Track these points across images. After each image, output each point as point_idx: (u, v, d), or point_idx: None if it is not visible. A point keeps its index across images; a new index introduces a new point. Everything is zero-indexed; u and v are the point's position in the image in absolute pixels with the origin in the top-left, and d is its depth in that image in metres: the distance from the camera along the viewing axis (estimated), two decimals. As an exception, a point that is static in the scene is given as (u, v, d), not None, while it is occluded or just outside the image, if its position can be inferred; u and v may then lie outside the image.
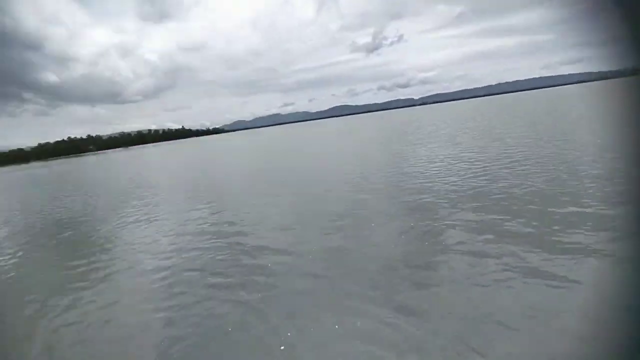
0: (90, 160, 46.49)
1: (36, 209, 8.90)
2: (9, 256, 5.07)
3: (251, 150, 23.25)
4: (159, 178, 13.22)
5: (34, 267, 4.57)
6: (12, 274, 4.33)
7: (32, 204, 10.15)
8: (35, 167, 40.72)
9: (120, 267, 4.03)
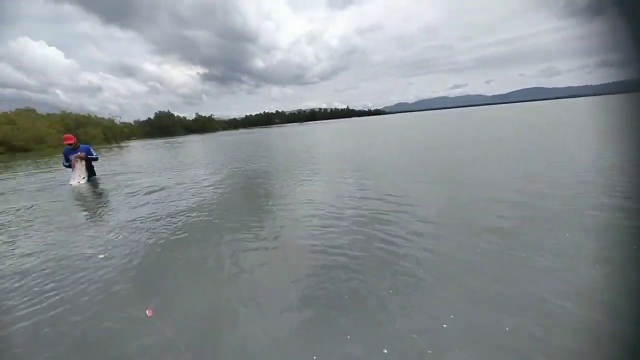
0: (276, 130, 56.74)
1: (239, 161, 11.19)
2: (221, 188, 6.39)
3: (415, 132, 20.68)
4: (326, 150, 13.65)
5: (231, 198, 5.58)
6: (224, 199, 5.49)
7: (239, 158, 12.28)
8: (242, 133, 52.79)
9: (290, 211, 4.43)
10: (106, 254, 3.10)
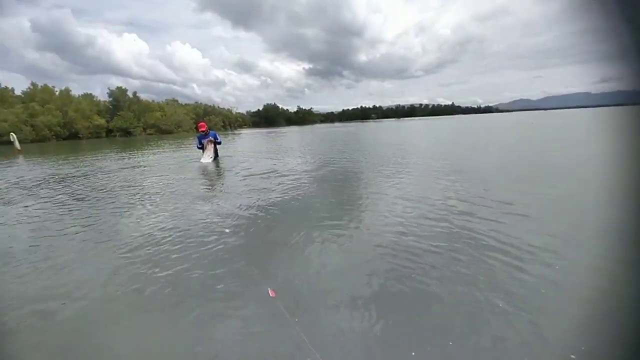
0: (371, 125, 56.21)
1: (338, 153, 11.63)
2: (323, 177, 6.62)
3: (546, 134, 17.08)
4: (420, 149, 12.67)
5: (332, 187, 5.74)
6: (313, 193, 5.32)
7: (337, 150, 12.75)
8: (338, 127, 54.17)
9: (388, 204, 4.31)
10: (230, 230, 3.45)
